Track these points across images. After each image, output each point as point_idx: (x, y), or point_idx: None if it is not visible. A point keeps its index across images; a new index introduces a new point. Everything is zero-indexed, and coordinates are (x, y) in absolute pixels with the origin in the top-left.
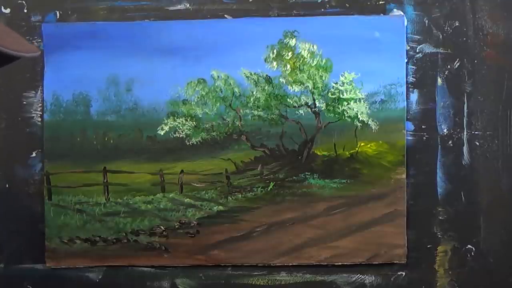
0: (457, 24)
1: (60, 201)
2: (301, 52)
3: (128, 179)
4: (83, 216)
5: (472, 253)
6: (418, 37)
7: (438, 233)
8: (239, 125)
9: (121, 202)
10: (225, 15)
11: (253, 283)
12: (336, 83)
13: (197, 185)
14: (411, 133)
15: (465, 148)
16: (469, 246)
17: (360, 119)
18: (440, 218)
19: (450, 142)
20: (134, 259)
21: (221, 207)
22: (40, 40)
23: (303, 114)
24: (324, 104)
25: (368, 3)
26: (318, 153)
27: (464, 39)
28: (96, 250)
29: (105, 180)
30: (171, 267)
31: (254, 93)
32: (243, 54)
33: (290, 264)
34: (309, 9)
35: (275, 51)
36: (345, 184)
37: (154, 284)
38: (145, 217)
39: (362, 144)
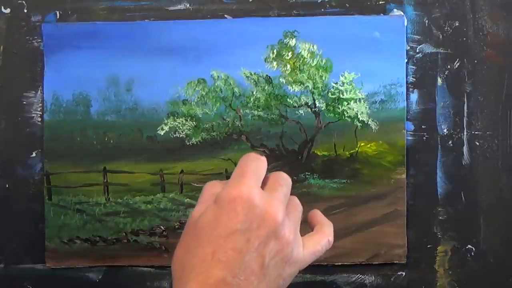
0: (457, 24)
1: (60, 201)
2: (301, 52)
3: (128, 179)
4: (83, 216)
5: (472, 253)
6: (418, 37)
7: (438, 233)
8: (239, 125)
9: (121, 202)
10: (225, 15)
11: None
12: (336, 83)
13: (197, 185)
14: (411, 133)
15: (465, 148)
16: (469, 246)
17: (360, 119)
18: (440, 218)
19: (450, 142)
20: (134, 259)
21: None
22: (40, 40)
23: (303, 114)
24: (324, 104)
25: (368, 3)
26: (318, 153)
27: (464, 39)
28: (96, 250)
29: (105, 180)
30: (171, 267)
31: (254, 93)
32: (243, 54)
33: None
34: (309, 9)
35: (275, 51)
36: (345, 184)
37: (154, 284)
38: (145, 217)
39: (362, 144)
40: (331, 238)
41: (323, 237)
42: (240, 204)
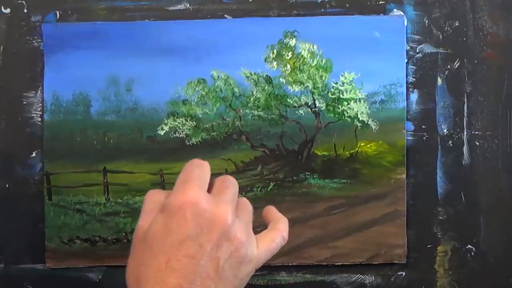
0: (457, 24)
1: (60, 201)
2: (301, 52)
3: (128, 179)
4: (83, 216)
5: (472, 253)
6: (418, 37)
7: (438, 233)
8: (239, 125)
9: (121, 202)
10: (225, 15)
11: (253, 283)
12: (336, 83)
13: None
14: (411, 133)
15: (465, 148)
16: (469, 246)
17: (360, 119)
18: (440, 218)
19: (450, 142)
20: None
21: None
22: (40, 40)
23: (303, 114)
24: (324, 104)
25: (368, 3)
26: (318, 153)
27: (464, 39)
28: (96, 250)
29: (105, 180)
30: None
31: (254, 93)
32: (243, 54)
33: (290, 264)
34: (309, 9)
35: (275, 51)
36: (345, 184)
37: None
38: None
39: (362, 144)
40: (285, 234)
41: (277, 234)
42: (188, 210)
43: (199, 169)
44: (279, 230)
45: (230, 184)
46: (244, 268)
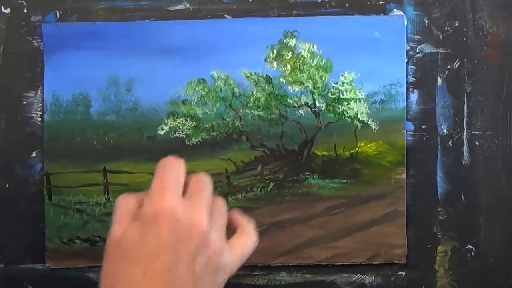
0: (457, 24)
1: (60, 201)
2: (301, 52)
3: (128, 179)
4: (83, 216)
5: (472, 253)
6: (418, 37)
7: (438, 233)
8: (239, 125)
9: None
10: (225, 15)
11: (253, 283)
12: (336, 83)
13: None
14: (411, 133)
15: (465, 148)
16: (469, 246)
17: (360, 119)
18: (440, 218)
19: (450, 142)
20: None
21: None
22: (40, 40)
23: (303, 114)
24: (324, 104)
25: (368, 3)
26: (318, 153)
27: (464, 39)
28: (96, 250)
29: (105, 180)
30: None
31: (254, 93)
32: (243, 54)
33: (290, 264)
34: (309, 9)
35: (275, 51)
36: (345, 184)
37: None
38: None
39: (362, 144)
40: (256, 238)
41: (248, 238)
42: (164, 220)
43: (172, 172)
44: (249, 234)
45: (205, 186)
46: (220, 276)
